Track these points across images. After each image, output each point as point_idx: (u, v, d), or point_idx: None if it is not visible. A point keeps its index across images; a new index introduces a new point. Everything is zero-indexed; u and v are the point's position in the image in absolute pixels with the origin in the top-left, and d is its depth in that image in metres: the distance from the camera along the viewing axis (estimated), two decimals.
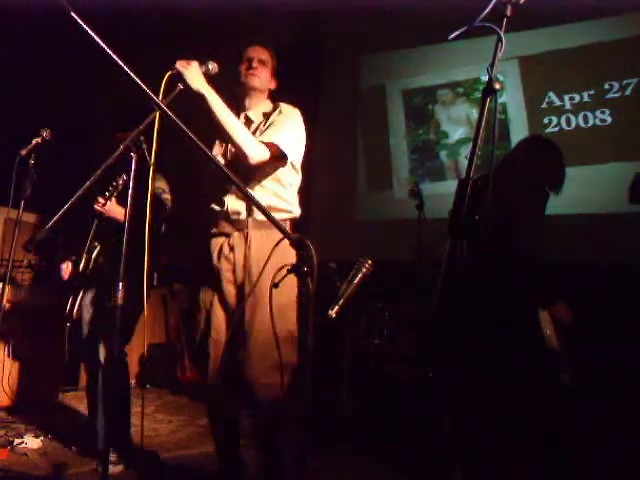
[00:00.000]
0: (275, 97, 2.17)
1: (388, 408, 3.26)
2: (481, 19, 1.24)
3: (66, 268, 2.77)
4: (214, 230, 2.03)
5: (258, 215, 1.91)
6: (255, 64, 2.04)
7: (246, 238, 1.94)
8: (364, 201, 4.73)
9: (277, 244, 1.82)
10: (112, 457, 2.42)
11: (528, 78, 4.08)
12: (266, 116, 2.06)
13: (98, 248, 2.63)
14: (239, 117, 2.07)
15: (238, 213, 1.96)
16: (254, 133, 1.99)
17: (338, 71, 5.01)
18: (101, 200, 2.47)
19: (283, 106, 2.06)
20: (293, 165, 2.03)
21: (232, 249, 1.96)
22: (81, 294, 2.67)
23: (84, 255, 2.62)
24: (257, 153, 1.84)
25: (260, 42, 2.11)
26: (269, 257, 1.80)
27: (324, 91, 5.04)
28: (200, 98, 1.76)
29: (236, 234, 1.97)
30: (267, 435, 1.90)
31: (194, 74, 1.75)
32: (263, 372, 1.81)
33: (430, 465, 2.15)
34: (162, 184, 2.96)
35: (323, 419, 3.27)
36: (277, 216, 1.88)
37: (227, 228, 1.99)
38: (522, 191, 2.19)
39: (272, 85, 2.14)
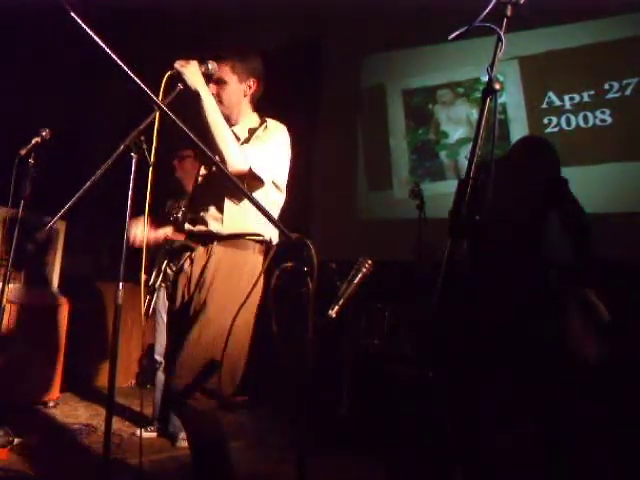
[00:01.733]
0: (272, 102, 2.07)
1: (388, 408, 3.25)
2: (481, 19, 1.24)
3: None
4: (181, 243, 2.00)
5: (225, 230, 1.87)
6: (211, 91, 1.85)
7: (208, 253, 1.89)
8: (364, 201, 4.72)
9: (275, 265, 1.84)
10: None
11: (528, 78, 4.08)
12: (251, 132, 1.97)
13: (166, 262, 3.12)
14: None
15: (205, 230, 1.91)
16: None
17: (338, 71, 5.00)
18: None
19: (269, 122, 1.97)
20: (276, 184, 1.94)
21: (192, 263, 1.91)
22: (155, 298, 3.13)
23: (156, 269, 3.11)
24: (238, 163, 1.77)
25: (216, 59, 1.89)
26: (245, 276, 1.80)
27: (324, 91, 5.04)
28: (195, 97, 1.74)
29: (201, 249, 1.91)
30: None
31: (192, 73, 1.73)
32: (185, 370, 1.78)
33: (430, 465, 2.14)
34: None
35: (323, 419, 3.27)
36: (247, 239, 1.88)
37: (192, 243, 1.95)
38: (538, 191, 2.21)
39: (248, 89, 1.97)
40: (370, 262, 1.83)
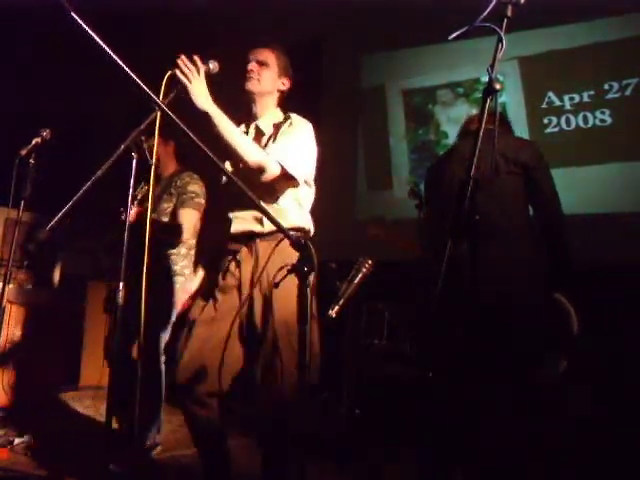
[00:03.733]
0: (284, 103, 2.07)
1: (388, 408, 3.26)
2: (481, 19, 1.24)
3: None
4: (224, 248, 1.95)
5: (266, 228, 1.86)
6: (251, 66, 1.94)
7: (252, 252, 1.87)
8: (364, 201, 4.72)
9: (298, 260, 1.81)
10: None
11: (528, 78, 4.08)
12: (276, 127, 1.96)
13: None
14: (249, 128, 2.01)
15: (245, 230, 1.89)
16: (265, 146, 1.92)
17: (338, 71, 5.00)
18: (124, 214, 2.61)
19: (294, 118, 1.97)
20: (306, 181, 1.97)
21: (238, 265, 1.89)
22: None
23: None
24: (273, 169, 1.78)
25: (263, 43, 1.99)
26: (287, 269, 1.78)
27: (324, 91, 5.03)
28: (205, 117, 1.69)
29: (244, 249, 1.89)
30: (277, 450, 1.85)
31: (199, 89, 1.67)
32: (291, 391, 1.74)
33: (430, 465, 2.14)
34: (196, 187, 2.89)
35: (323, 419, 3.27)
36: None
37: (234, 245, 1.92)
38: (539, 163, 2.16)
39: (282, 86, 2.01)
40: (370, 262, 1.84)
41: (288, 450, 1.83)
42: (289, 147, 1.85)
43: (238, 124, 1.97)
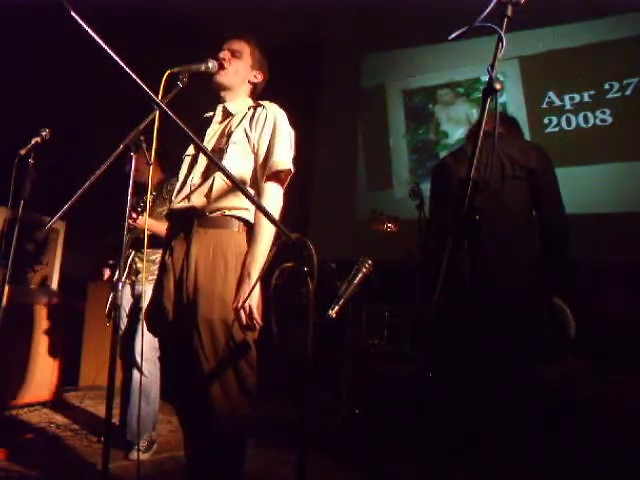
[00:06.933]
0: (270, 96, 2.00)
1: (388, 408, 3.26)
2: (481, 19, 1.23)
3: (105, 273, 3.12)
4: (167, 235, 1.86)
5: (206, 212, 1.73)
6: (223, 54, 1.86)
7: (187, 238, 1.72)
8: (364, 201, 4.73)
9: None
10: (142, 445, 2.72)
11: (528, 78, 4.08)
12: (251, 110, 1.87)
13: (132, 254, 2.92)
14: (216, 110, 1.94)
15: (189, 206, 1.75)
16: (232, 132, 1.83)
17: (338, 71, 5.01)
18: (134, 215, 2.66)
19: (270, 109, 1.85)
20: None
21: (171, 254, 1.75)
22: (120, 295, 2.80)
23: (121, 262, 2.77)
24: (279, 201, 1.76)
25: (239, 35, 1.94)
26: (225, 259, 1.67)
27: (324, 91, 5.04)
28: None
29: (180, 235, 1.76)
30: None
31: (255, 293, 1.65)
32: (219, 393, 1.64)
33: (430, 465, 2.14)
34: None
35: (323, 419, 3.27)
36: (231, 216, 1.73)
37: (172, 229, 1.82)
38: (548, 169, 2.14)
39: (254, 78, 1.95)
40: (370, 262, 1.83)
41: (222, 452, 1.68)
42: (282, 147, 1.79)
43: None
